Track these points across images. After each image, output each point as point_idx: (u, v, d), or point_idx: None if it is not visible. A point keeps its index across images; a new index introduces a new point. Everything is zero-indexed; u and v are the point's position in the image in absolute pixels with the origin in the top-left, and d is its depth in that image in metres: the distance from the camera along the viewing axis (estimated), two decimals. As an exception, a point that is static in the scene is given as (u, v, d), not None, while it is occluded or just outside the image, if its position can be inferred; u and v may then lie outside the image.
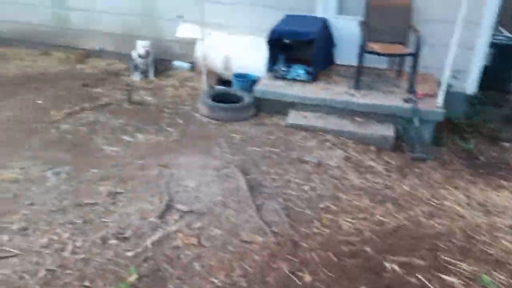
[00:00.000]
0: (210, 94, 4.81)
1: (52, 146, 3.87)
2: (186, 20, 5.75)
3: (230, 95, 4.92)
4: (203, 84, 5.07)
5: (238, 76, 5.18)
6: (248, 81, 5.11)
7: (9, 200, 3.03)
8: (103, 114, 4.60)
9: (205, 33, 5.25)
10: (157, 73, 5.95)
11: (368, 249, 2.73)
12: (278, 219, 2.99)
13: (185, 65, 6.18)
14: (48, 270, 2.31)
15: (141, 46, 5.66)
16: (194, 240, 2.69)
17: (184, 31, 5.44)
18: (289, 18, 5.11)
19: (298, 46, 5.00)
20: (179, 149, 3.98)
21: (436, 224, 3.06)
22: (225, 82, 5.51)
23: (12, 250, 2.47)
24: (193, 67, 6.07)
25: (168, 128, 4.38)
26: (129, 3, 6.02)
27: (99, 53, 6.52)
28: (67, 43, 6.58)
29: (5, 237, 2.57)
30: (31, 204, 2.99)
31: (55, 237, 2.63)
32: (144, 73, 5.87)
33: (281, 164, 3.77)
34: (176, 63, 6.22)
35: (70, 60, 6.36)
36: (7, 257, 2.38)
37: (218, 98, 4.79)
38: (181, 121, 4.57)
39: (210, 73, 5.47)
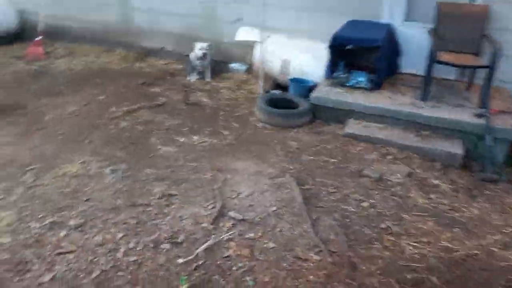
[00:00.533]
0: (267, 99, 4.71)
1: (111, 142, 3.94)
2: (246, 23, 5.70)
3: (286, 100, 4.79)
4: (260, 88, 4.98)
5: (295, 81, 5.05)
6: (305, 87, 4.96)
7: (68, 194, 3.09)
8: (160, 114, 4.63)
9: (264, 36, 5.17)
10: (214, 74, 5.95)
11: (433, 278, 2.50)
12: (335, 237, 2.82)
13: (242, 67, 6.14)
14: (102, 270, 2.29)
15: (199, 48, 5.67)
16: (246, 252, 2.59)
17: (244, 34, 5.38)
18: (352, 24, 4.91)
19: (361, 53, 4.78)
20: (233, 153, 3.91)
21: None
22: (282, 87, 5.40)
23: (69, 246, 2.49)
24: (250, 70, 6.02)
25: (223, 131, 4.33)
26: (191, 5, 6.07)
27: (158, 53, 6.64)
28: (129, 42, 6.76)
29: (63, 233, 2.60)
30: (88, 200, 3.03)
31: (109, 236, 2.64)
32: (201, 74, 5.89)
33: (338, 176, 3.59)
34: (233, 65, 6.19)
35: (131, 58, 6.52)
36: (64, 253, 2.40)
37: (274, 103, 4.68)
38: (236, 125, 4.50)
39: (267, 77, 5.38)
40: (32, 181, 3.22)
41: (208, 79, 5.89)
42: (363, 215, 3.12)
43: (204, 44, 5.70)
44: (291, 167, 3.71)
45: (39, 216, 2.77)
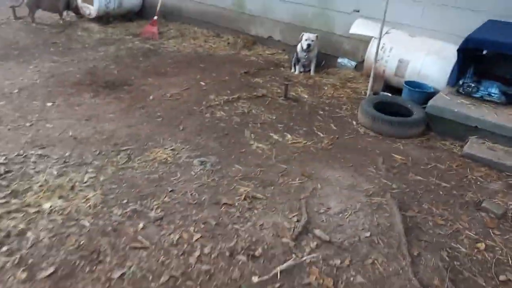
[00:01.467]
0: (374, 102, 4.22)
1: (204, 132, 3.85)
2: (363, 15, 5.20)
3: (396, 105, 4.25)
4: (368, 89, 4.49)
5: (411, 84, 4.45)
6: (423, 93, 4.35)
7: (154, 181, 3.04)
8: (258, 106, 4.43)
9: (382, 31, 4.63)
10: (319, 68, 5.58)
11: None
12: (439, 283, 2.33)
13: (351, 63, 5.67)
14: (171, 276, 2.15)
15: (305, 39, 5.33)
16: (329, 282, 2.26)
17: (360, 27, 4.91)
18: (491, 25, 4.15)
19: (497, 60, 4.02)
20: (327, 159, 3.55)
21: None
22: (393, 89, 4.84)
23: (144, 241, 2.40)
24: (359, 67, 5.53)
25: (319, 133, 3.98)
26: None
27: (265, 41, 6.45)
28: (238, 28, 6.67)
29: (141, 225, 2.53)
30: (172, 191, 2.94)
31: (186, 236, 2.50)
32: (305, 67, 5.57)
33: (450, 205, 3.03)
34: (341, 60, 5.75)
35: (238, 45, 6.44)
36: (138, 248, 2.32)
37: (382, 107, 4.17)
38: (334, 127, 4.12)
39: (378, 76, 4.86)
40: (123, 163, 3.25)
41: (312, 73, 5.55)
42: (478, 259, 2.56)
43: (312, 35, 5.34)
44: (393, 186, 3.23)
45: (123, 202, 2.75)
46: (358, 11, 5.32)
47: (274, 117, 4.23)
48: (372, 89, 4.83)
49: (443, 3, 4.67)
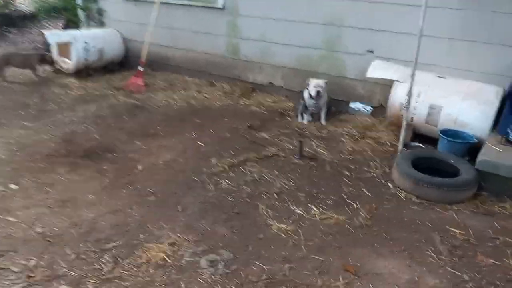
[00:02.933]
0: (410, 158, 3.50)
1: (210, 212, 3.06)
2: (378, 56, 4.61)
3: (437, 161, 3.55)
4: (400, 143, 3.78)
5: (448, 134, 3.77)
6: (464, 143, 3.67)
7: (150, 299, 2.21)
8: (270, 169, 3.69)
9: (406, 74, 4.01)
10: (330, 116, 4.92)
11: None
12: None
13: (365, 109, 5.02)
14: None
15: (313, 85, 4.68)
16: None
17: (377, 70, 4.28)
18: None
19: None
20: (371, 242, 2.78)
21: None
22: (422, 138, 4.16)
23: None
24: (375, 112, 4.88)
25: (352, 202, 3.23)
26: (310, 33, 5.13)
27: (266, 88, 5.80)
28: (234, 75, 6.03)
29: None
30: (177, 313, 2.11)
31: None
32: (314, 116, 4.90)
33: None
34: (354, 105, 5.10)
35: (235, 94, 5.77)
36: None
37: (420, 163, 3.46)
38: (367, 193, 3.37)
39: (398, 121, 4.17)
40: (108, 270, 2.42)
41: (323, 121, 4.86)
42: None
43: (320, 81, 4.70)
44: (464, 277, 2.47)
45: None
46: (373, 51, 4.73)
47: (292, 183, 3.48)
48: (403, 142, 4.15)
49: (472, 38, 4.08)
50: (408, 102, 3.59)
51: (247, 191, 3.36)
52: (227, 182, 3.48)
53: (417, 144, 4.09)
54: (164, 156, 3.92)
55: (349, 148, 4.17)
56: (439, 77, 4.06)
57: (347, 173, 3.68)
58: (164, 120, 4.85)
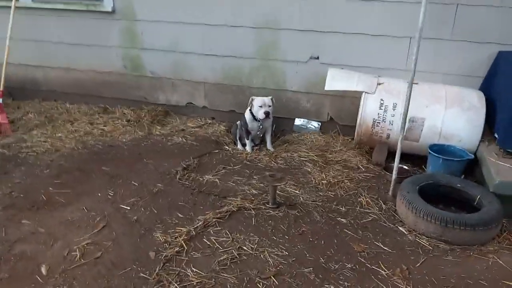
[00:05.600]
0: (414, 188, 2.80)
1: None
2: (325, 63, 3.86)
3: (443, 187, 2.92)
4: (395, 169, 3.04)
5: (439, 150, 3.19)
6: (461, 161, 3.12)
7: None
8: (245, 234, 2.62)
9: (373, 83, 3.33)
10: (274, 138, 4.05)
11: None
12: None
13: (312, 125, 4.24)
14: None
15: (259, 104, 3.73)
16: None
17: (337, 81, 3.50)
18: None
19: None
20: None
21: None
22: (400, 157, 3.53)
23: None
24: (324, 127, 4.16)
25: (374, 267, 2.37)
26: (237, 41, 4.13)
27: (184, 110, 4.61)
28: (137, 96, 4.70)
29: None
30: None
31: None
32: (255, 140, 3.97)
33: None
34: (300, 122, 4.28)
35: (143, 121, 4.45)
36: None
37: (426, 192, 2.80)
38: (384, 247, 2.56)
39: (377, 142, 3.50)
40: None
41: (270, 147, 3.95)
42: None
43: (266, 99, 3.77)
44: None
45: None
46: (318, 57, 3.95)
47: (287, 253, 2.47)
48: (375, 161, 3.47)
49: (435, 36, 3.57)
50: (405, 116, 2.86)
51: (230, 282, 2.23)
52: (193, 271, 2.29)
53: (399, 164, 3.43)
54: (76, 241, 2.52)
55: (322, 181, 3.31)
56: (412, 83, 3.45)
57: (343, 220, 2.81)
58: (56, 176, 3.33)
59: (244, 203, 2.93)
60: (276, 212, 2.86)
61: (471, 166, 3.22)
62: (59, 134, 4.13)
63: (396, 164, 2.98)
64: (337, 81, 3.49)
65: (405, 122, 2.85)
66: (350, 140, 4.05)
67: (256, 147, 3.98)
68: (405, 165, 3.45)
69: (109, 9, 4.31)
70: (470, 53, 3.56)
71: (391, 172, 3.32)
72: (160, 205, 2.93)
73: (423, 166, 3.50)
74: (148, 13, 4.24)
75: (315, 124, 4.23)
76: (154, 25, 4.27)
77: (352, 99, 3.98)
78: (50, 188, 3.14)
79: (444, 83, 3.58)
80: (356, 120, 3.95)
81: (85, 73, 4.73)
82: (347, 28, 3.77)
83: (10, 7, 4.20)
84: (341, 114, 4.10)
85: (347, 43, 3.82)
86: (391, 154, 3.58)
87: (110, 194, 3.07)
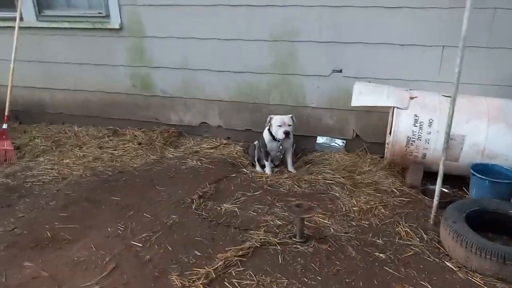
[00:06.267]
0: (461, 217, 2.46)
1: None
2: (349, 76, 3.58)
3: (495, 215, 2.58)
4: (436, 196, 2.71)
5: (483, 170, 2.86)
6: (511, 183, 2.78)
7: None
8: (271, 275, 2.30)
9: (404, 97, 3.02)
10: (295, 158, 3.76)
11: None
12: None
13: (336, 143, 3.93)
14: None
15: (278, 124, 3.44)
16: None
17: (365, 95, 3.19)
18: None
19: None
20: None
21: None
22: (431, 177, 3.20)
23: None
24: (349, 146, 3.85)
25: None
26: (252, 55, 3.87)
27: (197, 130, 4.35)
28: (148, 117, 4.46)
29: None
30: None
31: None
32: (275, 161, 3.69)
33: None
34: (322, 140, 3.98)
35: (155, 143, 4.20)
36: None
37: (474, 221, 2.46)
38: (429, 286, 2.22)
39: (412, 162, 3.18)
40: None
41: (291, 168, 3.66)
42: None
43: (286, 118, 3.48)
44: None
45: None
46: (341, 71, 3.67)
47: (321, 297, 2.15)
48: (410, 184, 3.14)
49: (469, 43, 3.25)
50: (448, 134, 2.54)
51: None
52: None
53: (444, 189, 3.10)
54: (82, 287, 2.24)
55: (353, 208, 2.99)
56: (447, 96, 3.13)
57: (382, 255, 2.48)
58: (63, 208, 3.08)
59: (268, 237, 2.62)
60: (305, 247, 2.55)
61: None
62: (67, 160, 3.90)
63: (438, 188, 2.65)
64: (364, 95, 3.19)
65: (447, 141, 2.53)
66: (379, 159, 3.74)
67: (277, 169, 3.69)
68: (443, 187, 3.11)
69: (117, 26, 4.09)
70: (510, 62, 3.23)
71: (429, 196, 3.01)
72: (175, 241, 2.64)
73: (463, 188, 3.17)
74: (157, 29, 4.01)
75: (339, 142, 3.92)
76: (163, 42, 4.04)
77: (380, 114, 3.68)
78: (56, 223, 2.88)
79: (480, 94, 3.25)
80: (385, 137, 3.66)
81: (93, 94, 4.51)
82: (372, 37, 3.48)
83: (14, 27, 4.00)
84: (367, 130, 3.79)
85: (372, 54, 3.52)
86: (426, 175, 3.27)
87: (121, 228, 2.80)
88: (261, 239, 2.60)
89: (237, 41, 3.81)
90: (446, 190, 3.07)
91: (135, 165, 3.80)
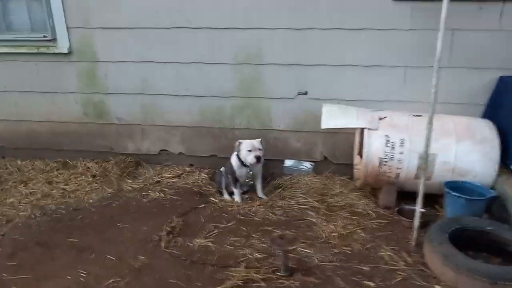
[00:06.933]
0: (445, 238, 2.44)
1: None
2: (313, 98, 3.54)
3: (469, 231, 2.58)
4: (416, 217, 2.67)
5: (455, 187, 2.88)
6: (481, 200, 2.82)
7: None
8: (259, 318, 2.10)
9: (374, 118, 3.02)
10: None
11: None
12: None
13: (304, 166, 3.85)
14: None
15: (248, 149, 3.30)
16: None
17: (335, 118, 3.15)
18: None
19: None
20: None
21: None
22: (407, 197, 3.21)
23: None
24: (317, 169, 3.79)
25: None
26: (216, 79, 3.72)
27: (157, 158, 4.09)
28: (102, 146, 4.14)
29: None
30: None
31: None
32: (243, 188, 3.54)
33: None
34: (290, 164, 3.88)
35: (111, 175, 3.88)
36: None
37: (456, 239, 2.45)
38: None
39: (376, 180, 3.16)
40: None
41: (261, 194, 3.51)
42: None
43: (256, 142, 3.35)
44: None
45: None
46: (306, 93, 3.62)
47: None
48: (384, 205, 3.12)
49: (430, 64, 3.34)
50: (427, 153, 2.53)
51: None
52: None
53: (411, 206, 3.10)
54: None
55: (333, 233, 2.89)
56: (415, 115, 3.17)
57: (371, 284, 2.38)
58: (10, 256, 2.70)
59: (251, 273, 2.43)
60: (291, 281, 2.38)
61: (488, 204, 2.93)
62: (11, 200, 3.48)
63: (418, 208, 2.62)
64: (334, 118, 3.14)
65: (426, 161, 2.52)
66: (347, 180, 3.69)
67: (246, 196, 3.52)
68: (414, 206, 3.10)
69: (65, 50, 3.78)
70: (469, 80, 3.36)
71: (405, 216, 2.99)
72: (146, 286, 2.38)
73: (436, 206, 3.18)
74: (112, 53, 3.75)
75: (307, 165, 3.84)
76: (119, 66, 3.78)
77: (347, 135, 3.66)
78: (4, 274, 2.50)
79: (443, 113, 3.32)
80: (352, 158, 3.64)
81: (39, 124, 4.12)
82: (336, 60, 3.48)
83: None
84: (335, 152, 3.76)
85: (337, 76, 3.51)
86: (398, 195, 3.26)
87: (82, 274, 2.48)
88: (242, 276, 2.40)
89: (200, 64, 3.65)
90: (422, 210, 3.05)
91: (91, 201, 3.46)
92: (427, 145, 2.49)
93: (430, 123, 2.43)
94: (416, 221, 2.66)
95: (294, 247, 2.39)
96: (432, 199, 3.20)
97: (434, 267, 2.40)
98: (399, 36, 3.33)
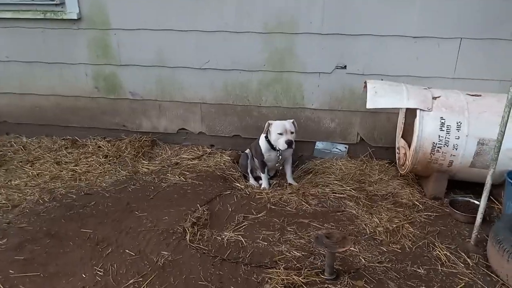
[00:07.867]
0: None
1: None
2: (353, 73, 3.14)
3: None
4: (480, 213, 2.32)
5: (514, 178, 2.53)
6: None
7: None
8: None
9: (427, 97, 2.64)
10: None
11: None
12: None
13: (338, 149, 3.49)
14: None
15: (278, 131, 2.92)
16: None
17: (382, 96, 2.75)
18: None
19: None
20: None
21: None
22: (461, 186, 2.87)
23: None
24: (352, 150, 3.44)
25: None
26: (242, 49, 3.32)
27: (175, 137, 3.74)
28: (114, 124, 3.80)
29: None
30: None
31: None
32: (271, 172, 3.21)
33: None
34: (321, 146, 3.52)
35: (125, 155, 3.55)
36: None
37: None
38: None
39: (426, 168, 2.80)
40: None
41: (290, 180, 3.17)
42: None
43: (287, 123, 2.98)
44: None
45: None
46: (345, 67, 3.22)
47: None
48: (432, 195, 2.77)
49: (492, 35, 2.92)
50: (502, 136, 2.16)
51: None
52: None
53: (464, 197, 2.77)
54: None
55: (378, 228, 2.56)
56: (472, 95, 2.77)
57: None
58: (17, 249, 2.39)
59: (291, 276, 2.12)
60: (338, 286, 2.07)
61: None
62: (16, 182, 3.16)
63: (482, 203, 2.27)
64: (381, 96, 2.75)
65: (498, 150, 2.15)
66: (387, 165, 3.34)
67: (273, 181, 3.18)
68: (467, 197, 2.77)
69: (74, 16, 3.38)
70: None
71: (458, 209, 2.65)
72: (173, 287, 2.07)
73: (490, 197, 2.83)
74: (126, 20, 3.35)
75: (341, 148, 3.49)
76: (134, 34, 3.39)
77: (388, 114, 3.29)
78: (11, 271, 2.20)
79: (501, 92, 2.93)
80: (394, 140, 3.27)
81: (45, 98, 3.76)
82: (381, 29, 3.06)
83: None
84: (373, 134, 3.39)
85: (381, 48, 3.11)
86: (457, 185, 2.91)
87: (99, 272, 2.18)
88: (282, 279, 2.09)
89: (224, 33, 3.24)
90: (476, 202, 2.71)
91: (104, 185, 3.14)
92: (503, 132, 2.10)
93: (509, 106, 2.04)
94: (479, 217, 2.31)
95: (345, 249, 2.06)
96: (481, 187, 2.84)
97: (504, 273, 2.07)
98: (453, 3, 2.90)
